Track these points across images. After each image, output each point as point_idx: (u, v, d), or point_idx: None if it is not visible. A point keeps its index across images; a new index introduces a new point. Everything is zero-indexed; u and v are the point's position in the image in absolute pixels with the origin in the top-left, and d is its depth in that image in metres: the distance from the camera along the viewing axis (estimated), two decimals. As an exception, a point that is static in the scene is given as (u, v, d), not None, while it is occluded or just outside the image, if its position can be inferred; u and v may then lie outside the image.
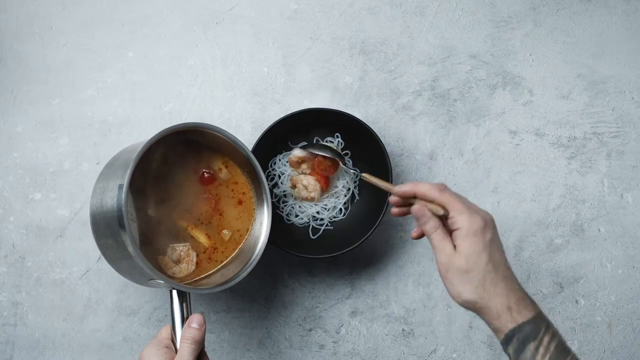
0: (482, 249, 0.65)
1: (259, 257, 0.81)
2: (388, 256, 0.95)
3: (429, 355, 0.94)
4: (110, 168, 0.77)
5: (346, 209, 0.93)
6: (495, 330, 0.66)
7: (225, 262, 0.83)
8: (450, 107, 0.97)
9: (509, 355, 0.65)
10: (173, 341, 0.71)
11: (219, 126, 0.81)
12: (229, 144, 0.81)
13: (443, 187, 0.69)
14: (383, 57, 0.97)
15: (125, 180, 0.70)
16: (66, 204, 0.93)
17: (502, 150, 0.97)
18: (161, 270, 0.79)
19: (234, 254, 0.84)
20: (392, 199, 0.72)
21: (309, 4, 0.98)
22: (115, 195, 0.70)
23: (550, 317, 0.94)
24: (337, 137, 0.94)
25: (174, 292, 0.72)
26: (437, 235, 0.68)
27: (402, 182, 0.95)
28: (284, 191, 0.93)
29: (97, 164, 0.94)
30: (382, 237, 0.95)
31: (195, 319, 0.70)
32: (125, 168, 0.71)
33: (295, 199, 0.92)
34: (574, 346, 0.95)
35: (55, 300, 0.92)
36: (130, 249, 0.69)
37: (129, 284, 0.92)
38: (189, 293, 0.73)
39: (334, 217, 0.93)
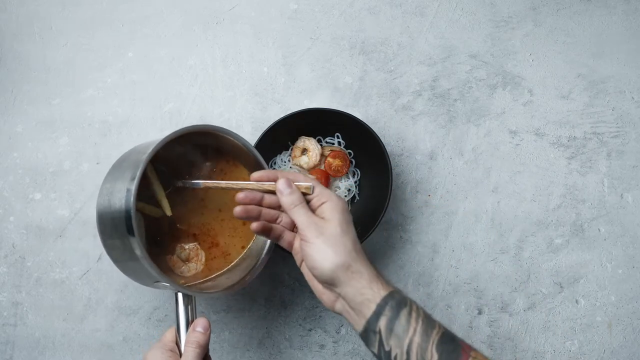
0: (349, 221, 0.69)
1: (265, 260, 0.81)
2: (388, 256, 0.95)
3: (429, 355, 0.94)
4: (118, 168, 0.76)
5: (346, 209, 0.93)
6: (363, 304, 0.65)
7: (231, 265, 0.83)
8: (450, 107, 0.97)
9: (377, 331, 0.64)
10: (177, 344, 0.70)
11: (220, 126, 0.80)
12: (239, 147, 0.81)
13: (303, 174, 0.72)
14: (383, 57, 0.97)
15: (134, 184, 0.69)
16: (66, 204, 0.93)
17: (502, 150, 0.97)
18: (169, 269, 0.79)
19: (240, 256, 0.83)
20: (239, 195, 0.71)
21: (309, 4, 0.98)
22: (123, 196, 0.69)
23: (550, 317, 0.95)
24: (337, 137, 0.94)
25: (180, 295, 0.72)
26: (302, 207, 0.68)
27: (401, 182, 0.95)
28: (284, 191, 0.93)
29: (97, 164, 0.94)
30: (382, 237, 0.95)
31: (200, 323, 0.70)
32: (134, 169, 0.70)
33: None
34: (574, 346, 0.95)
35: (55, 300, 0.92)
36: (138, 251, 0.69)
37: (129, 284, 0.92)
38: (194, 296, 0.73)
39: (334, 217, 0.93)
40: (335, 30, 0.97)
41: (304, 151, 0.92)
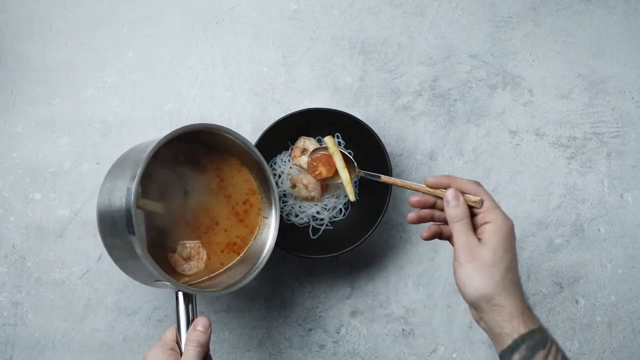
0: (510, 247, 0.65)
1: (266, 259, 0.81)
2: (388, 256, 0.95)
3: (429, 355, 0.94)
4: (118, 167, 0.76)
5: (346, 209, 0.93)
6: (501, 336, 0.64)
7: (232, 263, 0.83)
8: (450, 107, 0.97)
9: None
10: (178, 343, 0.70)
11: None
12: (239, 146, 0.81)
13: (478, 183, 0.68)
14: (383, 57, 0.97)
15: (135, 183, 0.69)
16: (66, 204, 0.93)
17: (502, 150, 0.97)
18: (171, 267, 0.79)
19: (240, 255, 0.83)
20: (413, 199, 0.71)
21: (309, 4, 0.98)
22: (124, 195, 0.69)
23: (550, 317, 0.95)
24: (337, 137, 0.94)
25: (180, 294, 0.72)
26: (463, 224, 0.66)
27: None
28: (284, 191, 0.93)
29: (97, 164, 0.94)
30: (382, 237, 0.95)
31: (200, 322, 0.70)
32: (135, 167, 0.70)
33: (295, 198, 0.92)
34: (574, 346, 0.95)
35: (55, 300, 0.92)
36: (138, 250, 0.69)
37: (129, 284, 0.92)
38: (195, 295, 0.73)
39: (334, 217, 0.93)
40: (335, 30, 0.97)
41: (304, 151, 0.92)
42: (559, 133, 0.98)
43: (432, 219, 0.72)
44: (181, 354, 0.69)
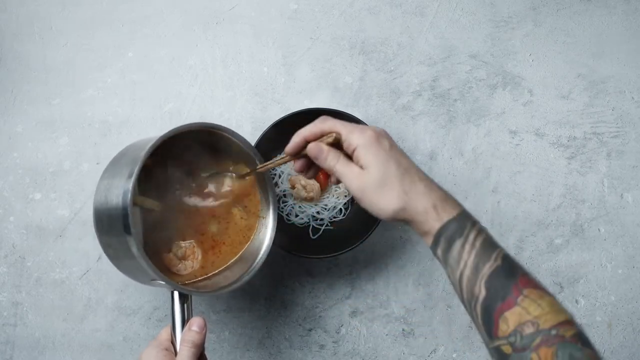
0: (386, 157, 0.65)
1: (263, 259, 0.81)
2: (388, 256, 0.95)
3: (429, 355, 0.94)
4: (115, 165, 0.75)
5: (346, 209, 0.93)
6: (425, 235, 0.65)
7: (228, 263, 0.83)
8: (450, 107, 0.97)
9: (438, 258, 0.65)
10: (173, 343, 0.70)
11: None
12: (237, 145, 0.81)
13: (323, 118, 0.68)
14: (383, 57, 0.97)
15: (132, 181, 0.68)
16: (66, 204, 0.93)
17: (502, 150, 0.97)
18: (166, 267, 0.79)
19: (237, 255, 0.83)
20: (298, 165, 0.71)
21: (309, 4, 0.98)
22: (120, 193, 0.69)
23: (550, 317, 0.95)
24: (337, 137, 0.94)
25: (175, 294, 0.71)
26: (341, 163, 0.66)
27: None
28: (283, 191, 0.93)
29: (97, 164, 0.94)
30: (382, 237, 0.95)
31: (195, 322, 0.70)
32: (132, 165, 0.70)
33: (295, 199, 0.92)
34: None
35: (55, 300, 0.92)
36: (134, 249, 0.69)
37: (129, 284, 0.92)
38: (191, 295, 0.73)
39: (334, 217, 0.93)
40: (335, 30, 0.97)
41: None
42: (559, 133, 0.98)
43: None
44: (176, 353, 0.69)
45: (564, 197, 0.97)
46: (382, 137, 0.67)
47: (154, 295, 0.93)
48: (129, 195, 0.68)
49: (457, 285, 0.63)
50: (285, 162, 0.73)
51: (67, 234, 0.92)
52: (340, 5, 0.98)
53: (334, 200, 0.93)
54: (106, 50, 0.96)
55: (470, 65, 0.98)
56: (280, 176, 0.93)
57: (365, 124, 0.88)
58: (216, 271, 0.82)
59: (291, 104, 0.96)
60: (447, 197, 0.65)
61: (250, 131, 0.95)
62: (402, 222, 0.66)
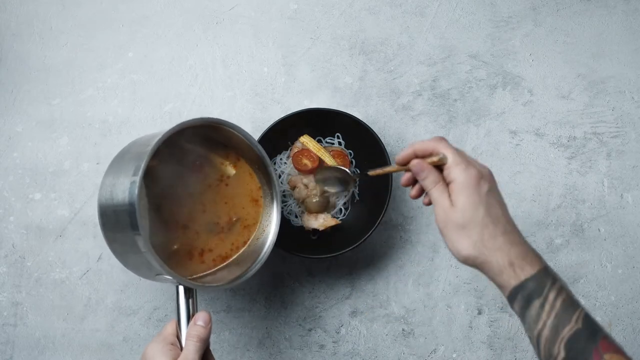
0: (477, 202, 0.63)
1: (267, 255, 0.81)
2: (388, 256, 0.95)
3: (429, 355, 0.94)
4: (120, 161, 0.75)
5: (346, 209, 0.93)
6: (500, 287, 0.63)
7: (233, 259, 0.83)
8: (450, 107, 0.97)
9: (514, 310, 0.63)
10: (178, 338, 0.70)
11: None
12: (242, 141, 0.81)
13: (440, 139, 0.66)
14: (383, 57, 0.97)
15: (139, 177, 0.68)
16: (66, 204, 0.93)
17: (502, 150, 0.97)
18: (172, 261, 0.78)
19: (241, 251, 0.83)
20: (403, 179, 0.70)
21: (309, 4, 0.98)
22: (127, 188, 0.69)
23: (550, 317, 0.95)
24: (337, 137, 0.94)
25: (181, 288, 0.72)
26: (436, 190, 0.65)
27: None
28: (284, 190, 0.93)
29: (97, 164, 0.94)
30: (382, 237, 0.95)
31: (201, 317, 0.70)
32: (137, 161, 0.70)
33: (297, 200, 0.92)
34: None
35: (55, 300, 0.92)
36: (141, 244, 0.69)
37: (129, 284, 0.92)
38: (196, 290, 0.73)
39: (334, 217, 0.93)
40: (335, 30, 0.97)
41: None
42: (559, 133, 0.98)
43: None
44: (181, 348, 0.69)
45: (564, 197, 0.97)
46: (484, 179, 0.64)
47: (154, 295, 0.93)
48: (136, 191, 0.68)
49: (535, 343, 0.62)
50: (395, 172, 0.72)
51: (67, 234, 0.92)
52: (340, 5, 0.98)
53: (335, 199, 0.93)
54: (106, 50, 0.96)
55: (470, 65, 0.98)
56: (280, 176, 0.93)
57: (370, 126, 0.88)
58: (220, 266, 0.82)
59: (291, 104, 0.96)
60: (527, 254, 0.63)
61: (251, 131, 0.95)
62: (476, 268, 0.65)
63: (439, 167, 0.66)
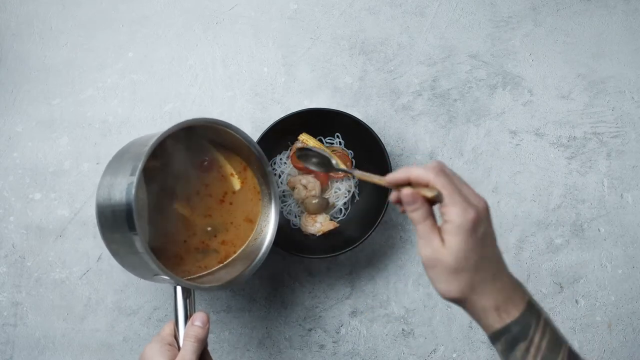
0: (472, 246, 0.60)
1: (265, 255, 0.81)
2: (388, 256, 0.95)
3: (429, 355, 0.94)
4: (118, 161, 0.75)
5: (346, 209, 0.93)
6: (481, 326, 0.62)
7: (230, 259, 0.83)
8: (450, 107, 0.97)
9: (497, 350, 0.62)
10: (176, 338, 0.70)
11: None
12: (240, 142, 0.81)
13: (438, 170, 0.61)
14: (383, 57, 0.97)
15: (136, 176, 0.68)
16: (66, 204, 0.93)
17: (502, 150, 0.97)
18: (170, 261, 0.78)
19: (240, 251, 0.83)
20: (392, 196, 0.65)
21: (309, 4, 0.98)
22: (124, 188, 0.69)
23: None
24: (337, 137, 0.94)
25: (178, 289, 0.72)
26: (425, 226, 0.61)
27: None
28: (283, 191, 0.93)
29: (97, 164, 0.94)
30: (382, 237, 0.95)
31: (198, 317, 0.70)
32: (135, 161, 0.70)
33: (297, 201, 0.92)
34: (574, 346, 0.95)
35: (55, 300, 0.92)
36: (138, 244, 0.69)
37: (129, 284, 0.92)
38: (194, 290, 0.73)
39: (334, 217, 0.93)
40: (335, 30, 0.97)
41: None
42: (559, 133, 0.98)
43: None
44: (179, 349, 0.69)
45: (564, 197, 0.97)
46: (481, 223, 0.60)
47: (153, 295, 0.93)
48: (133, 191, 0.68)
49: None
50: (379, 185, 0.66)
51: (67, 234, 0.92)
52: (340, 5, 0.98)
53: (334, 200, 0.93)
54: (106, 50, 0.96)
55: (470, 65, 0.98)
56: (280, 176, 0.93)
57: (370, 126, 0.88)
58: (218, 267, 0.82)
59: (291, 104, 0.96)
60: (513, 294, 0.61)
61: (250, 131, 0.95)
62: (458, 306, 0.63)
63: (432, 200, 0.61)
